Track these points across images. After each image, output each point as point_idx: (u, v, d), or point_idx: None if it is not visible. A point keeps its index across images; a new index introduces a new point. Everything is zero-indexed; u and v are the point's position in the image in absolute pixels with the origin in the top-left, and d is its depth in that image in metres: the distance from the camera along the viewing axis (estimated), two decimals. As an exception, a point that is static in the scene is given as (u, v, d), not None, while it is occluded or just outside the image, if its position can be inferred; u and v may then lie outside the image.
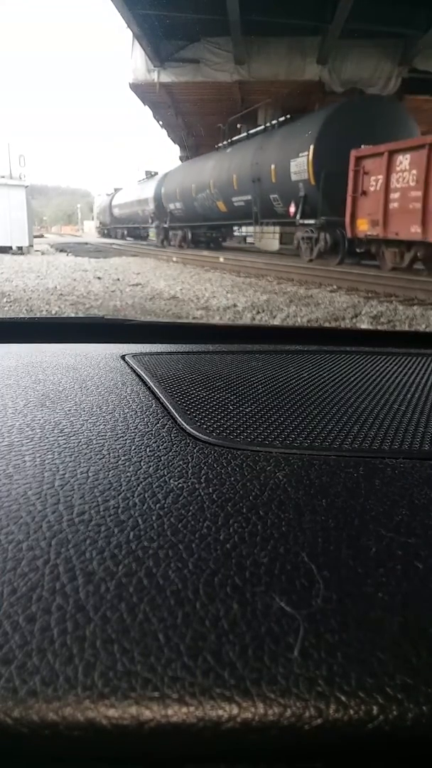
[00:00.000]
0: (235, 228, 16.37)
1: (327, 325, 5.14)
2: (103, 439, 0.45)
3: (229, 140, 16.26)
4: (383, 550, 0.31)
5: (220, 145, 17.17)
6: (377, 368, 0.74)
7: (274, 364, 0.74)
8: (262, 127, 14.41)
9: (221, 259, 12.20)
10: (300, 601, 0.26)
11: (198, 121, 20.36)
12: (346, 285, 8.01)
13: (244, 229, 17.47)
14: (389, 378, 0.69)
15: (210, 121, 18.68)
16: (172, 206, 18.82)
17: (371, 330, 2.92)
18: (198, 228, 17.96)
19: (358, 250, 10.22)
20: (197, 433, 0.47)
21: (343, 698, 0.22)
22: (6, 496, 0.35)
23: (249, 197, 13.72)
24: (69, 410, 0.52)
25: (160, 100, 18.45)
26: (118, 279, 8.72)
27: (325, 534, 0.32)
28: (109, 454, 0.42)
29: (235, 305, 6.23)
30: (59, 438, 0.45)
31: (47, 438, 0.45)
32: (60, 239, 30.96)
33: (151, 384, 0.61)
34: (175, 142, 26.11)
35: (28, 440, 0.44)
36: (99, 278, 8.73)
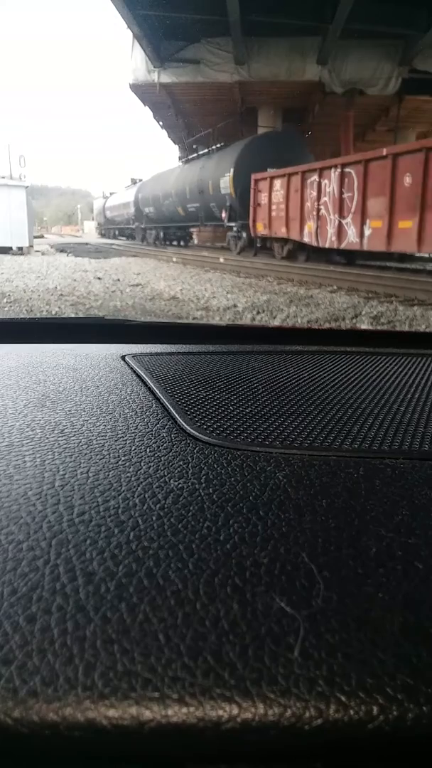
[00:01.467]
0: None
1: (327, 325, 5.14)
2: (104, 439, 0.45)
3: (186, 158, 20.80)
4: (383, 551, 0.31)
5: (180, 161, 21.84)
6: (377, 368, 0.74)
7: (274, 365, 0.74)
8: (206, 150, 18.29)
9: (221, 260, 12.63)
10: (300, 601, 0.26)
11: (198, 121, 20.40)
12: (346, 285, 8.01)
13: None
14: (389, 378, 0.69)
15: (210, 121, 18.72)
16: (147, 210, 22.77)
17: (371, 330, 2.92)
18: (168, 228, 21.92)
19: (258, 245, 13.94)
20: (197, 434, 0.47)
21: (343, 698, 0.22)
22: (6, 497, 0.35)
23: (198, 204, 17.58)
24: (69, 410, 0.52)
25: (160, 101, 18.47)
26: (119, 279, 8.73)
27: (326, 534, 0.32)
28: (109, 454, 0.42)
29: (235, 306, 6.23)
30: (59, 438, 0.45)
31: (47, 438, 0.45)
32: (60, 240, 30.97)
33: (151, 384, 0.61)
34: (175, 143, 26.14)
35: (28, 440, 0.44)
36: (99, 279, 8.73)
